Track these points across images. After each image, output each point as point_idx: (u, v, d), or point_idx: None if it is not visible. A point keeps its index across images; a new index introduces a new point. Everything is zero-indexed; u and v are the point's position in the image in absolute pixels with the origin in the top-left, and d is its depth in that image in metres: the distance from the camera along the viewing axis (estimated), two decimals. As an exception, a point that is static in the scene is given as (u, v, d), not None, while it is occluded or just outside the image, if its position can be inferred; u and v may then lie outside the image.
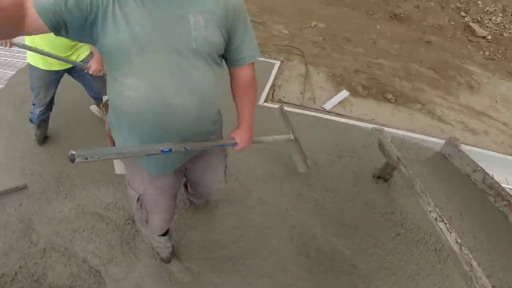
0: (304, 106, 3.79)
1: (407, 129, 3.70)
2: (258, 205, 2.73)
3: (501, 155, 3.73)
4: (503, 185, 3.61)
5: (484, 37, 6.37)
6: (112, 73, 1.28)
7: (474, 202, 2.11)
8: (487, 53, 6.05)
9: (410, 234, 2.62)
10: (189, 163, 1.74)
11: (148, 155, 1.28)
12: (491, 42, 6.29)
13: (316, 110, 3.78)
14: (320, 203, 2.76)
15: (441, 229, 1.54)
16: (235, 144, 1.70)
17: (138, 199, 1.69)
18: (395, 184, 2.96)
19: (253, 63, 1.49)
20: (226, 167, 1.99)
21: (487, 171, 3.73)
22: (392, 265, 2.47)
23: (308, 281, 2.31)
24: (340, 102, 3.96)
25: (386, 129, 3.56)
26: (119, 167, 2.14)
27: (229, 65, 1.48)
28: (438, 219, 1.54)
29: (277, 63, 4.42)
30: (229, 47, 1.36)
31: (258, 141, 2.17)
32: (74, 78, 2.91)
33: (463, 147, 3.63)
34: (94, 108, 3.48)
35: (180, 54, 1.20)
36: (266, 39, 5.25)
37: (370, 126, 3.51)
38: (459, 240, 1.39)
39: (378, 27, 5.95)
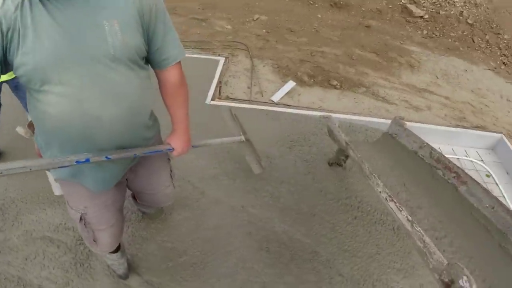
0: (252, 101, 3.77)
1: (354, 112, 3.80)
2: (213, 205, 2.69)
3: (444, 128, 3.93)
4: (450, 156, 3.82)
5: (421, 17, 6.66)
6: (30, 91, 1.20)
7: (423, 177, 2.18)
8: (425, 32, 6.33)
9: (367, 216, 2.69)
10: (129, 173, 1.67)
11: (61, 167, 1.21)
12: (428, 21, 6.59)
13: (265, 103, 3.77)
14: (276, 196, 2.77)
15: (392, 208, 1.57)
16: (172, 149, 1.65)
17: (81, 219, 1.59)
18: (350, 169, 3.03)
19: (179, 63, 1.45)
20: (171, 171, 1.93)
21: (433, 145, 3.92)
22: (352, 247, 2.52)
23: (270, 275, 2.30)
24: (287, 93, 3.98)
25: (333, 115, 3.63)
26: (56, 187, 2.00)
27: (155, 68, 1.42)
28: (388, 199, 1.57)
29: (222, 60, 4.37)
30: (151, 49, 1.32)
31: (204, 144, 2.10)
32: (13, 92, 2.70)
33: (409, 124, 3.78)
34: (20, 130, 3.24)
35: (100, 62, 1.14)
36: (209, 36, 5.18)
37: (318, 114, 3.56)
38: (410, 218, 1.42)
39: (319, 15, 6.05)
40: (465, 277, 1.13)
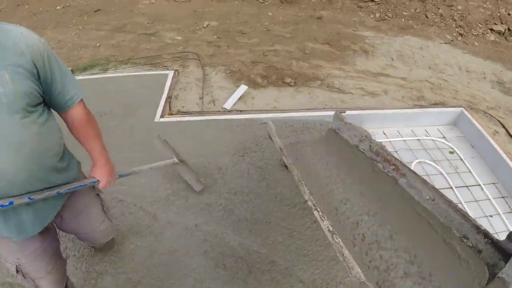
0: (204, 112, 3.67)
1: (308, 108, 3.72)
2: (166, 228, 2.59)
3: (401, 111, 3.88)
4: (410, 138, 3.78)
5: (372, 0, 6.65)
6: None
7: (365, 171, 2.11)
8: (377, 15, 6.32)
9: (327, 218, 2.61)
10: (55, 218, 1.58)
11: None
12: (380, 4, 6.58)
13: (217, 112, 3.68)
14: (229, 208, 2.68)
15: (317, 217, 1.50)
16: (97, 182, 1.61)
17: (17, 270, 1.55)
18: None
19: (81, 100, 1.48)
20: (103, 205, 1.88)
21: (392, 129, 3.88)
22: (312, 251, 2.45)
23: (228, 293, 2.22)
24: (240, 98, 3.89)
25: (286, 114, 3.56)
26: None
27: (60, 110, 1.44)
28: (313, 208, 1.49)
29: (171, 73, 4.25)
30: (53, 94, 1.34)
31: (133, 171, 2.03)
32: None
33: (364, 112, 3.74)
34: None
35: None
36: (160, 49, 5.06)
37: (270, 116, 3.49)
38: (331, 228, 1.35)
39: (270, 13, 5.98)
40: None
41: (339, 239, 1.25)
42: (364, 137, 2.18)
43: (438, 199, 1.60)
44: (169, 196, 2.78)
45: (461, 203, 3.24)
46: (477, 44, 5.94)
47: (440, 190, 3.26)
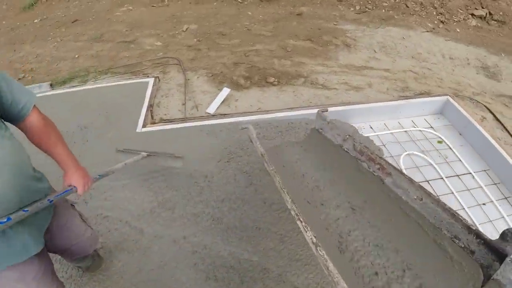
0: (188, 118, 3.59)
1: (293, 107, 3.66)
2: (154, 243, 2.51)
3: (386, 103, 3.83)
4: (397, 130, 3.74)
5: (352, -7, 6.60)
6: None
7: (350, 171, 2.05)
8: (357, 7, 6.27)
9: (317, 218, 2.56)
10: (45, 235, 1.58)
11: None
12: (360, -4, 6.53)
13: (201, 117, 3.60)
14: (217, 217, 2.61)
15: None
16: (74, 188, 1.60)
17: None
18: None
19: (35, 106, 1.46)
20: (81, 215, 1.94)
21: (379, 122, 3.84)
22: (305, 255, 2.39)
23: (220, 306, 2.15)
24: (224, 101, 3.82)
25: (270, 115, 3.50)
26: None
27: (16, 121, 1.42)
28: (295, 217, 1.43)
29: (151, 80, 4.15)
30: (5, 106, 1.33)
31: (107, 172, 2.03)
32: None
33: (349, 107, 3.69)
34: None
35: None
36: (139, 57, 4.96)
37: (254, 118, 3.42)
38: (314, 240, 1.28)
39: (249, 13, 5.91)
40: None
41: (323, 252, 1.18)
42: (347, 136, 2.12)
43: (426, 199, 1.54)
44: (155, 208, 2.71)
45: (452, 193, 3.20)
46: (459, 30, 5.93)
47: (430, 182, 3.28)
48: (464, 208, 3.08)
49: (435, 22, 6.11)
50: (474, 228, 1.28)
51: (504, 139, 3.84)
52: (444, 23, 6.15)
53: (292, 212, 1.42)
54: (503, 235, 1.19)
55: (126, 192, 2.82)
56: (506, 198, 3.27)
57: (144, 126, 3.44)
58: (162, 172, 2.92)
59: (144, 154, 2.61)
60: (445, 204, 1.43)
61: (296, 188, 1.91)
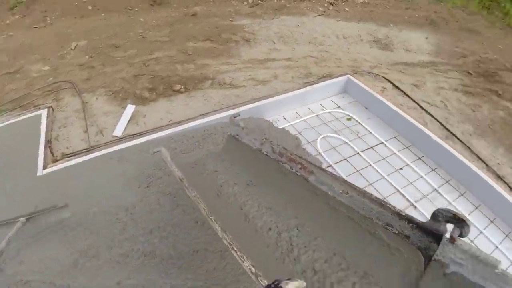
0: (93, 147, 3.26)
1: (206, 113, 3.53)
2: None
3: (292, 93, 3.89)
4: (309, 116, 3.83)
5: (241, -13, 6.61)
6: None
7: (273, 174, 2.00)
8: (250, 1, 6.30)
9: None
10: None
11: None
12: (250, -11, 6.56)
13: (108, 143, 3.29)
14: (148, 251, 2.39)
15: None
16: None
17: None
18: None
19: None
20: None
21: (290, 112, 3.89)
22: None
23: None
24: (131, 120, 3.55)
25: (184, 126, 3.34)
26: None
27: None
28: (229, 247, 1.33)
29: (44, 112, 3.69)
30: None
31: None
32: None
33: (260, 103, 3.67)
34: None
35: None
36: (27, 87, 4.39)
37: (167, 132, 3.23)
38: (253, 270, 1.20)
39: (141, 19, 5.58)
40: None
41: (265, 281, 1.11)
42: (264, 140, 2.07)
43: (351, 192, 1.55)
44: (77, 260, 2.40)
45: (370, 165, 3.38)
46: (348, 10, 6.28)
47: (348, 159, 3.41)
48: (384, 177, 3.27)
49: (325, 5, 6.40)
50: (404, 214, 1.30)
51: (406, 104, 4.17)
52: (333, 4, 6.48)
53: (225, 242, 1.32)
54: (434, 216, 1.22)
55: (38, 251, 2.47)
56: (420, 158, 3.55)
57: (45, 167, 3.03)
58: (60, 226, 2.61)
59: (23, 219, 2.40)
60: (372, 195, 1.44)
61: (223, 208, 1.81)
